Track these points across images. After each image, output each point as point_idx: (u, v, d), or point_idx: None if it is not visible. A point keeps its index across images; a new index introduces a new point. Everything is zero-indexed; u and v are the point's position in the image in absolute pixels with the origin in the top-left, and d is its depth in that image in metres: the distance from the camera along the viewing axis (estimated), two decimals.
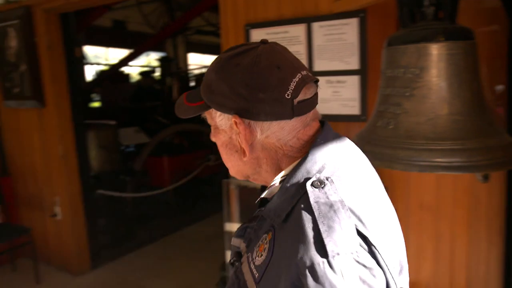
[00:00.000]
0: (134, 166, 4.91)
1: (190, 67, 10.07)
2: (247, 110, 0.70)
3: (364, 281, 0.60)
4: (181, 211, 5.23)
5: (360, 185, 0.70)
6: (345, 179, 0.68)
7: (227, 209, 2.60)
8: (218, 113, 0.75)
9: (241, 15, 2.31)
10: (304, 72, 0.72)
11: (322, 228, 0.61)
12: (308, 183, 0.66)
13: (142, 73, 6.99)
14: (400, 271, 0.69)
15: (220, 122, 0.76)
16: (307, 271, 0.60)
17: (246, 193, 2.54)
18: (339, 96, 2.04)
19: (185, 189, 5.19)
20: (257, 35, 2.25)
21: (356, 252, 0.60)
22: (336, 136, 0.75)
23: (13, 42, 3.30)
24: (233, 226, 2.54)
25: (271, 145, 0.74)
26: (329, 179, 0.66)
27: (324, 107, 2.06)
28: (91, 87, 6.56)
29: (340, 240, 0.60)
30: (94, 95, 6.58)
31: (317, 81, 0.75)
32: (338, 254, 0.59)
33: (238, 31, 2.32)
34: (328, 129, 0.76)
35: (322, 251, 0.60)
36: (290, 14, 2.13)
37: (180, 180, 5.01)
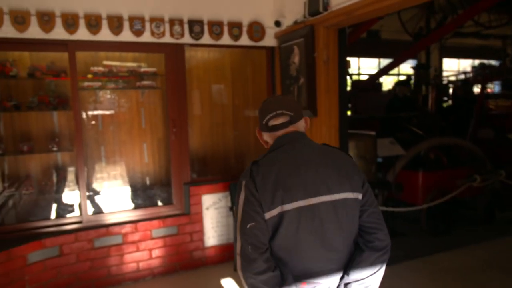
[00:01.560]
0: (387, 178, 4.77)
1: (445, 73, 9.24)
2: (259, 126, 1.61)
3: (248, 188, 1.45)
4: (432, 233, 4.78)
5: (277, 161, 1.48)
6: (271, 155, 1.51)
7: None
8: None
9: None
10: (279, 111, 1.53)
11: (245, 171, 1.52)
12: (261, 156, 1.54)
13: (399, 82, 6.76)
14: (282, 201, 1.41)
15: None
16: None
17: None
18: None
19: (440, 209, 4.71)
20: None
21: (247, 181, 1.46)
22: (287, 140, 1.53)
23: (296, 58, 3.69)
24: None
25: (268, 141, 1.61)
26: (266, 154, 1.54)
27: None
28: (348, 96, 6.79)
29: (243, 175, 1.50)
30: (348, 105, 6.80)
31: (291, 115, 1.55)
32: (242, 179, 1.49)
33: None
34: (285, 136, 1.54)
35: (240, 179, 1.52)
36: None
37: (436, 199, 4.56)
